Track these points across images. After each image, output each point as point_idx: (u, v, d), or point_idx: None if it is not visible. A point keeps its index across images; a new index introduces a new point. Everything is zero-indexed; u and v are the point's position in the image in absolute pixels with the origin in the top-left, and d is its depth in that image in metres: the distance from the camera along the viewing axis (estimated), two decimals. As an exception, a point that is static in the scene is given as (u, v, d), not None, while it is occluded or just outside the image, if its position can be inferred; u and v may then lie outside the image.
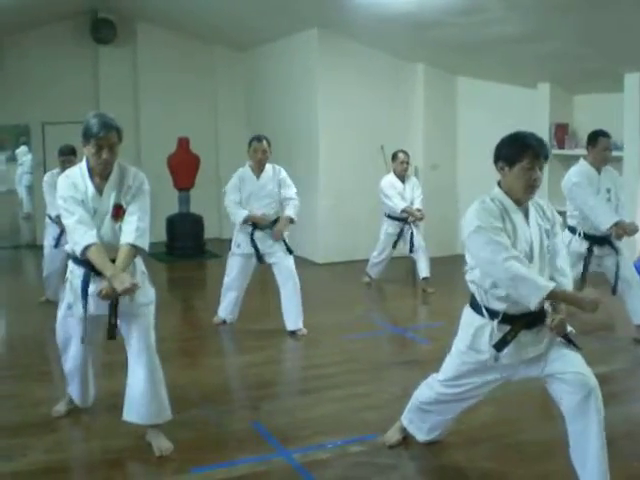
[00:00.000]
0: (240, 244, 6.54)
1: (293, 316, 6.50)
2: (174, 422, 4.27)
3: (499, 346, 3.42)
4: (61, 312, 4.29)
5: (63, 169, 6.87)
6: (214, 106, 12.47)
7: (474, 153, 10.13)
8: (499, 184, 3.47)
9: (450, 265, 8.73)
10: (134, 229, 3.91)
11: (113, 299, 3.88)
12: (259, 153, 6.44)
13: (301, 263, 7.43)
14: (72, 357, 4.38)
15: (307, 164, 10.12)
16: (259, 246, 6.44)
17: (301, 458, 4.05)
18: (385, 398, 4.98)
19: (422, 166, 10.20)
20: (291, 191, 6.53)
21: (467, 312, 3.61)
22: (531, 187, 3.35)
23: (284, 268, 6.49)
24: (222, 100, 12.46)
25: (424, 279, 8.27)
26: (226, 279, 6.74)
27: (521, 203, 3.42)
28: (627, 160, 8.28)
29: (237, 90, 12.42)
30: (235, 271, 6.64)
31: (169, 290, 9.03)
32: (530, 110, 9.53)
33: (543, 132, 9.28)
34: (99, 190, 3.94)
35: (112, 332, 4.00)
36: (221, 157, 12.39)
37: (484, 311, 3.45)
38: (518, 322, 3.40)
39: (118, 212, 3.96)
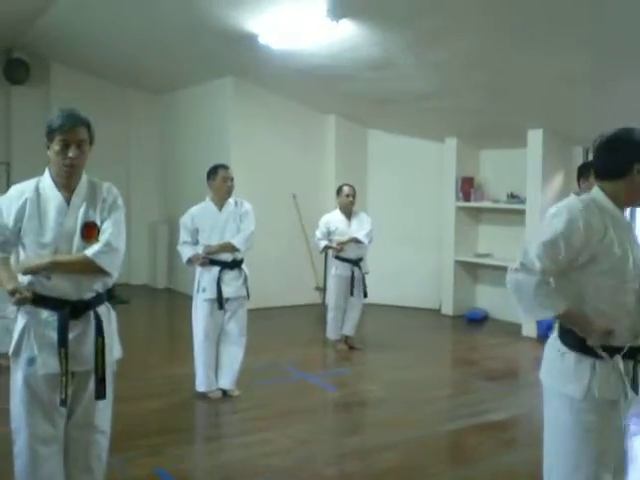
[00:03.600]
0: (205, 288, 5.80)
1: (230, 375, 6.02)
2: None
3: (635, 386, 2.77)
4: (18, 378, 3.23)
5: None
6: (127, 149, 12.40)
7: (384, 204, 10.39)
8: (602, 188, 2.83)
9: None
10: (101, 244, 3.18)
11: (100, 348, 3.21)
12: (228, 181, 5.88)
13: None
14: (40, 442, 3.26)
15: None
16: (223, 290, 5.79)
17: (205, 504, 4.02)
18: (291, 444, 4.99)
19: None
20: (247, 224, 5.87)
21: (569, 358, 2.82)
22: None
23: (238, 322, 5.97)
24: (135, 143, 12.43)
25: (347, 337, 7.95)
26: (196, 339, 5.93)
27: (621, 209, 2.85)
28: (529, 213, 8.64)
29: (151, 134, 12.44)
30: (202, 324, 5.83)
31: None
32: (438, 163, 9.87)
33: (450, 185, 9.63)
34: (67, 202, 3.20)
35: (101, 390, 3.26)
36: (133, 201, 12.29)
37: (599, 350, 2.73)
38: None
39: (91, 232, 3.19)
